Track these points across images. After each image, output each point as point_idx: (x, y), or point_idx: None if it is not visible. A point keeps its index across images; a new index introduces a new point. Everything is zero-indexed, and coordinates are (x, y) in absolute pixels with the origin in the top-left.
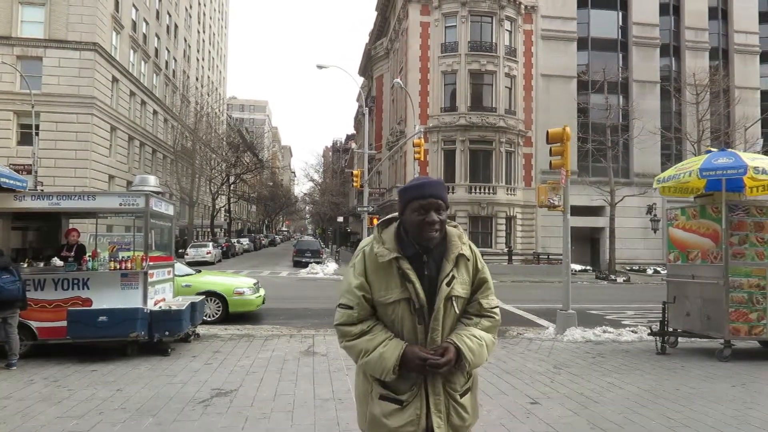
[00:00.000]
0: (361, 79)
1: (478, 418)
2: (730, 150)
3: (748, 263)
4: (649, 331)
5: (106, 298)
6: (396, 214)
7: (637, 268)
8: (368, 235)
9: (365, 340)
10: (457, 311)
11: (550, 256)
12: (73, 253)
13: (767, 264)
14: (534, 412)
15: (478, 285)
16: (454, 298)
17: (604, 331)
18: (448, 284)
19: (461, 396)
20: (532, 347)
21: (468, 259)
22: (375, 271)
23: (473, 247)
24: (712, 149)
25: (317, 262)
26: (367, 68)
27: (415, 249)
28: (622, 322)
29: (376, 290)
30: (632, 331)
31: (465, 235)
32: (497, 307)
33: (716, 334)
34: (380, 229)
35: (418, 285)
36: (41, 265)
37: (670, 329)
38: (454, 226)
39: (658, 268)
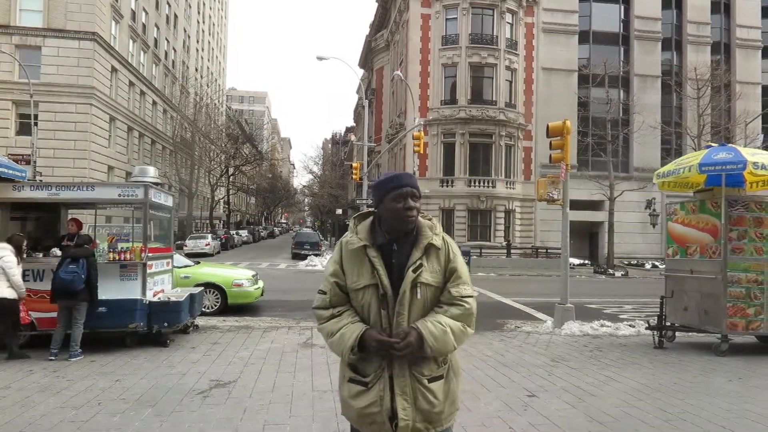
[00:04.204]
0: (361, 71)
1: (458, 408)
2: (730, 145)
3: (747, 258)
4: (647, 325)
5: (105, 289)
6: (371, 209)
7: (636, 262)
8: None
9: (332, 322)
10: (423, 297)
11: (549, 250)
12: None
13: (766, 259)
14: (531, 405)
15: (449, 274)
16: (420, 285)
17: (602, 325)
18: (414, 271)
19: (429, 381)
20: (530, 340)
21: (439, 249)
22: (349, 259)
23: (447, 237)
24: (713, 144)
25: (316, 255)
26: (367, 60)
27: (386, 238)
28: (620, 317)
29: (349, 276)
30: (630, 326)
31: (438, 227)
32: (470, 296)
33: (714, 328)
34: (356, 221)
35: (382, 272)
36: (40, 255)
37: (668, 324)
38: (428, 219)
39: (657, 263)
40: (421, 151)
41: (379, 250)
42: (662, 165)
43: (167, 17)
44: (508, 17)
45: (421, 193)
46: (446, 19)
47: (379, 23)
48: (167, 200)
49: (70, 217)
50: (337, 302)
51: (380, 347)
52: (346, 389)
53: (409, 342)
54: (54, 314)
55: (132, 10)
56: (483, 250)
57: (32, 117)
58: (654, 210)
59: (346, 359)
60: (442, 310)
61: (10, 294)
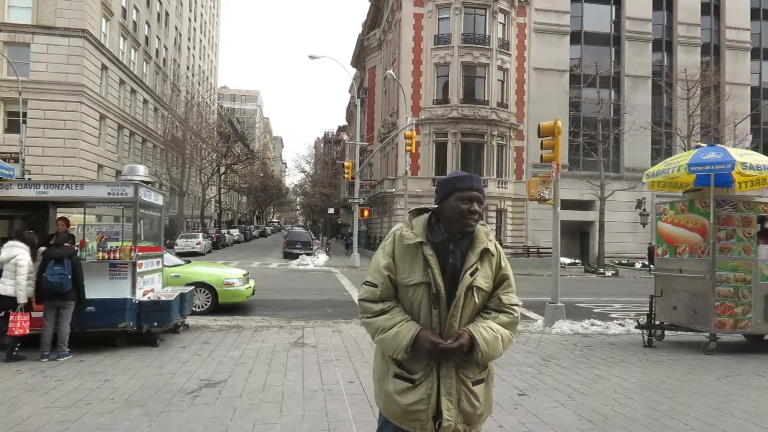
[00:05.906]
0: (353, 71)
1: (491, 413)
2: (719, 145)
3: (735, 258)
4: (637, 324)
5: (94, 289)
6: (427, 206)
7: (626, 261)
8: (358, 228)
9: (384, 318)
10: (477, 302)
11: (540, 249)
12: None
13: (754, 258)
14: (521, 404)
15: (499, 281)
16: (475, 289)
17: (592, 324)
18: (471, 274)
19: (474, 384)
20: (520, 339)
21: (492, 255)
22: (402, 254)
23: (498, 245)
24: (702, 144)
25: (308, 254)
26: (359, 59)
27: (443, 236)
28: (610, 315)
29: (401, 272)
30: (620, 324)
31: (492, 234)
32: (517, 305)
33: (702, 327)
34: (411, 216)
35: (437, 271)
36: None
37: (657, 322)
38: (483, 225)
39: (646, 262)
40: (413, 151)
41: (435, 248)
42: (652, 165)
43: (158, 15)
44: (501, 17)
45: (415, 192)
46: (439, 19)
47: (372, 22)
48: (157, 199)
49: (58, 216)
50: (387, 296)
51: (433, 349)
52: (392, 384)
53: (461, 344)
54: (39, 314)
55: (122, 7)
56: None
57: (21, 115)
58: (644, 210)
59: (399, 357)
60: (491, 316)
61: (14, 292)
